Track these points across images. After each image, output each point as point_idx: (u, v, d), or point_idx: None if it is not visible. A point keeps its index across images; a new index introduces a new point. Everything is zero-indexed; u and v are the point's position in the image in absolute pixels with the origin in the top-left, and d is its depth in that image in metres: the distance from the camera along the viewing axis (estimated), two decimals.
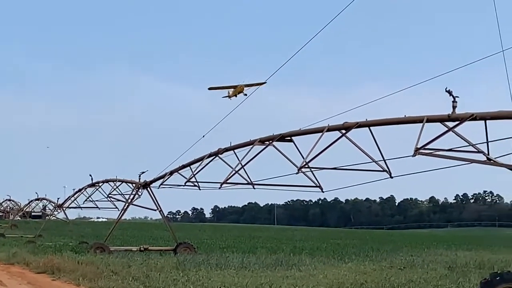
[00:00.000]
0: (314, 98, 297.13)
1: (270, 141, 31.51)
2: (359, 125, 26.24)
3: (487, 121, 21.92)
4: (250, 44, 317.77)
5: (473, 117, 21.99)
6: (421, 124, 23.14)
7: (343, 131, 26.95)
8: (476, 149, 22.40)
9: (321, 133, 27.81)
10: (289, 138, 30.69)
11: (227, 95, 36.54)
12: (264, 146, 31.98)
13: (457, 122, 22.45)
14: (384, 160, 25.96)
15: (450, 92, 22.40)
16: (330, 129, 27.48)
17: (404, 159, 24.55)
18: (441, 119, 22.89)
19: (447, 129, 22.72)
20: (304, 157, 28.76)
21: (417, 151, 22.97)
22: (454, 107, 22.52)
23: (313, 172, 29.62)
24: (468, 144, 22.56)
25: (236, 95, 36.14)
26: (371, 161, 26.34)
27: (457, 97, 22.43)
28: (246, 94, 36.10)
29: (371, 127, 25.84)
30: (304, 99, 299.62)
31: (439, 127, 23.06)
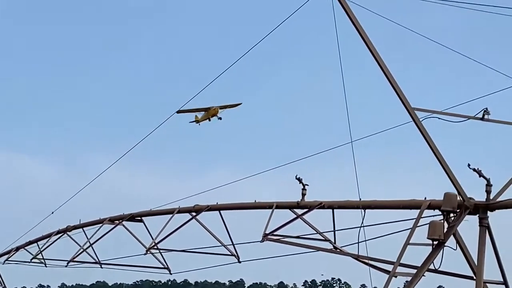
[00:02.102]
0: (166, 178, 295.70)
1: (120, 221, 31.12)
2: (210, 208, 26.31)
3: (335, 210, 22.38)
4: (98, 122, 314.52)
5: (321, 206, 22.43)
6: (271, 210, 23.43)
7: (194, 214, 26.97)
8: (323, 237, 22.83)
9: (171, 215, 27.72)
10: (139, 218, 30.41)
11: (194, 120, 32.16)
12: (113, 225, 31.53)
13: (305, 210, 22.85)
14: (233, 244, 26.06)
15: (300, 180, 22.84)
16: (181, 211, 27.46)
17: (254, 244, 24.69)
18: (291, 206, 23.27)
19: (296, 216, 23.07)
20: (154, 237, 28.54)
21: (265, 237, 23.20)
22: (303, 195, 22.95)
23: (162, 253, 29.38)
24: (316, 232, 22.98)
25: (209, 119, 31.59)
26: (221, 244, 26.40)
27: (307, 185, 22.93)
28: (220, 118, 31.66)
29: (221, 211, 25.94)
30: (156, 180, 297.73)
31: (289, 213, 23.39)
